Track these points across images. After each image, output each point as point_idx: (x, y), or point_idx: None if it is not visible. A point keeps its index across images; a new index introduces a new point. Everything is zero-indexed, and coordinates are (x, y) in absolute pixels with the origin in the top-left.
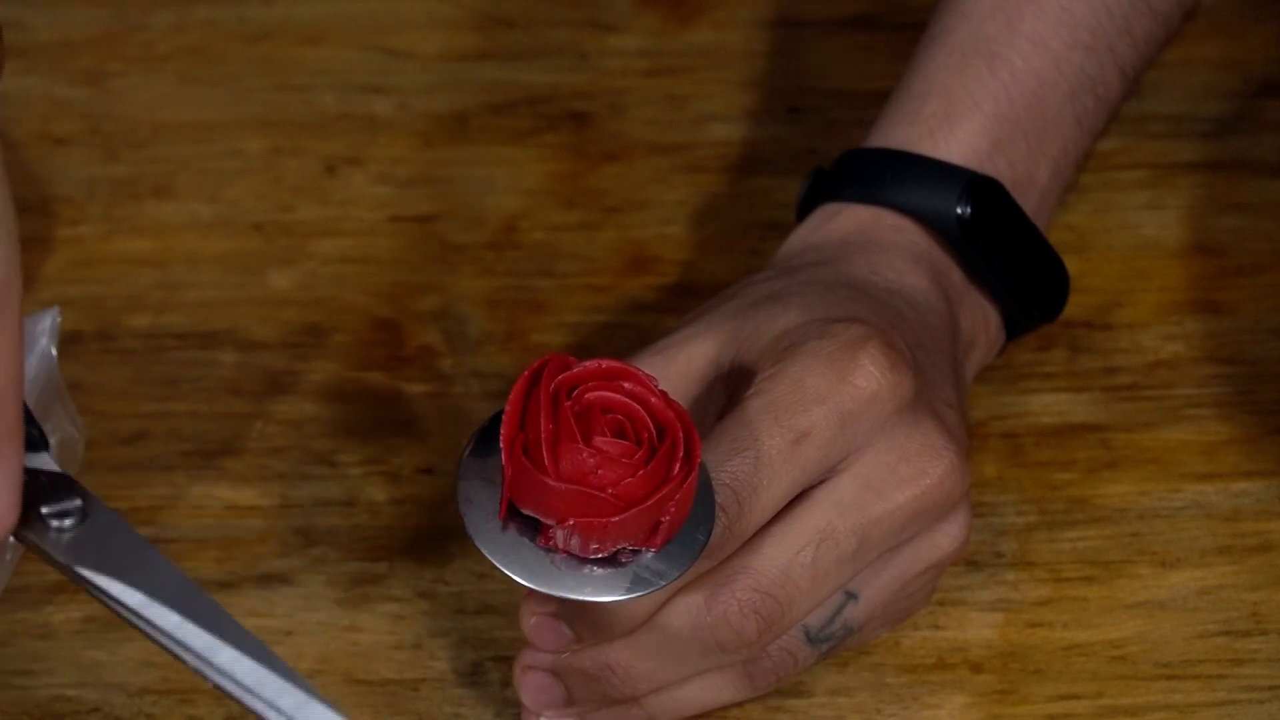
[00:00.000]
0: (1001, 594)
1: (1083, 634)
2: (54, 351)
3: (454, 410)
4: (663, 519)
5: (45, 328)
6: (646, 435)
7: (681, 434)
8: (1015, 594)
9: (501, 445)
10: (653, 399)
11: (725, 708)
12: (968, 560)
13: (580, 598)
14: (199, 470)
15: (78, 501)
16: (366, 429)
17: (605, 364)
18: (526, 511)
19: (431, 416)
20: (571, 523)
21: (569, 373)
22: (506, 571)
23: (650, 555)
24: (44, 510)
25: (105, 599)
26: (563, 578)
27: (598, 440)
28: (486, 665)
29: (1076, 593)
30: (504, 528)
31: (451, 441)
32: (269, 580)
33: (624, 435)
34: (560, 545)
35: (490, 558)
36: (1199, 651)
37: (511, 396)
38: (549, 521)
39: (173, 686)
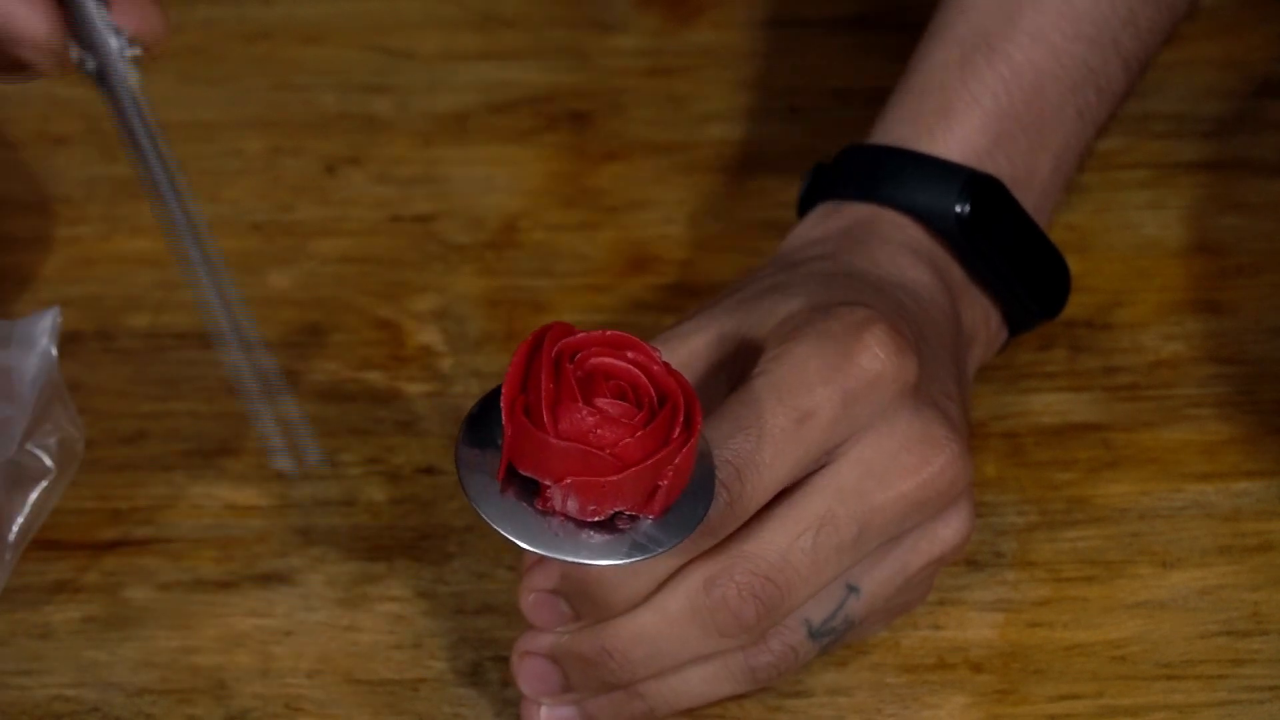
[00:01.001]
0: (1001, 594)
1: (1083, 634)
2: (54, 351)
3: (454, 410)
4: (661, 483)
5: (45, 328)
6: (647, 401)
7: (682, 401)
8: (1015, 594)
9: (502, 406)
10: (655, 367)
11: (724, 701)
12: (968, 560)
13: (577, 560)
14: (199, 470)
15: None
16: (366, 429)
17: (609, 333)
18: (525, 473)
19: (431, 416)
20: (569, 482)
21: (572, 338)
22: (504, 534)
23: (649, 523)
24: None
25: None
26: (560, 542)
27: (598, 401)
28: (486, 665)
29: (1077, 593)
30: (502, 490)
31: (451, 441)
32: (269, 580)
33: (625, 399)
34: (558, 507)
35: (488, 520)
36: (1199, 651)
37: (514, 359)
38: (547, 482)
39: (172, 686)
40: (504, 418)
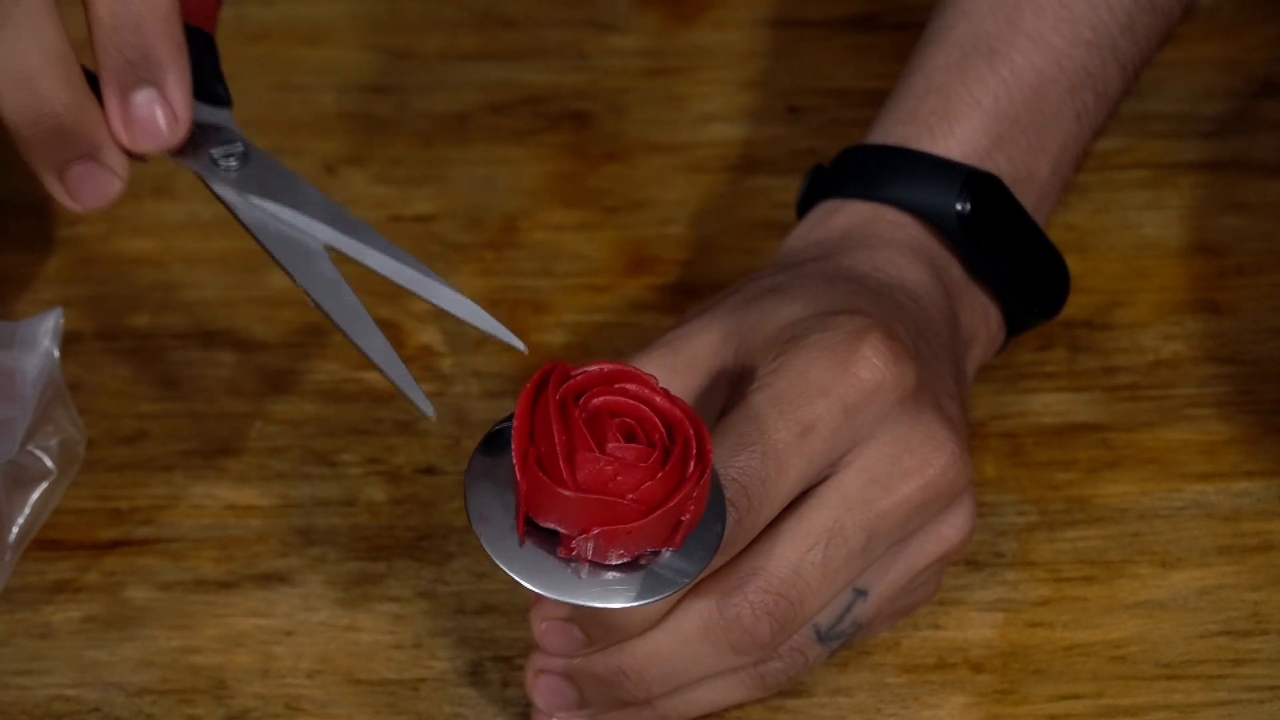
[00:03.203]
0: (1001, 594)
1: (1083, 634)
2: (56, 353)
3: (454, 410)
4: (683, 518)
5: (48, 329)
6: (658, 436)
7: (692, 431)
8: (1015, 594)
9: (515, 460)
10: (658, 399)
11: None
12: (968, 560)
13: (610, 605)
14: (199, 470)
15: (240, 147)
16: (366, 429)
17: (606, 368)
18: (545, 525)
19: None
20: (596, 532)
21: (572, 380)
22: (531, 587)
23: (669, 554)
24: (214, 153)
25: (263, 232)
26: (588, 587)
27: (611, 446)
28: (486, 665)
29: (1076, 593)
30: (521, 543)
31: (451, 441)
32: (269, 580)
33: (634, 438)
34: (583, 555)
35: (513, 575)
36: (1199, 651)
37: (518, 410)
38: (570, 532)
39: (173, 686)
40: (517, 472)
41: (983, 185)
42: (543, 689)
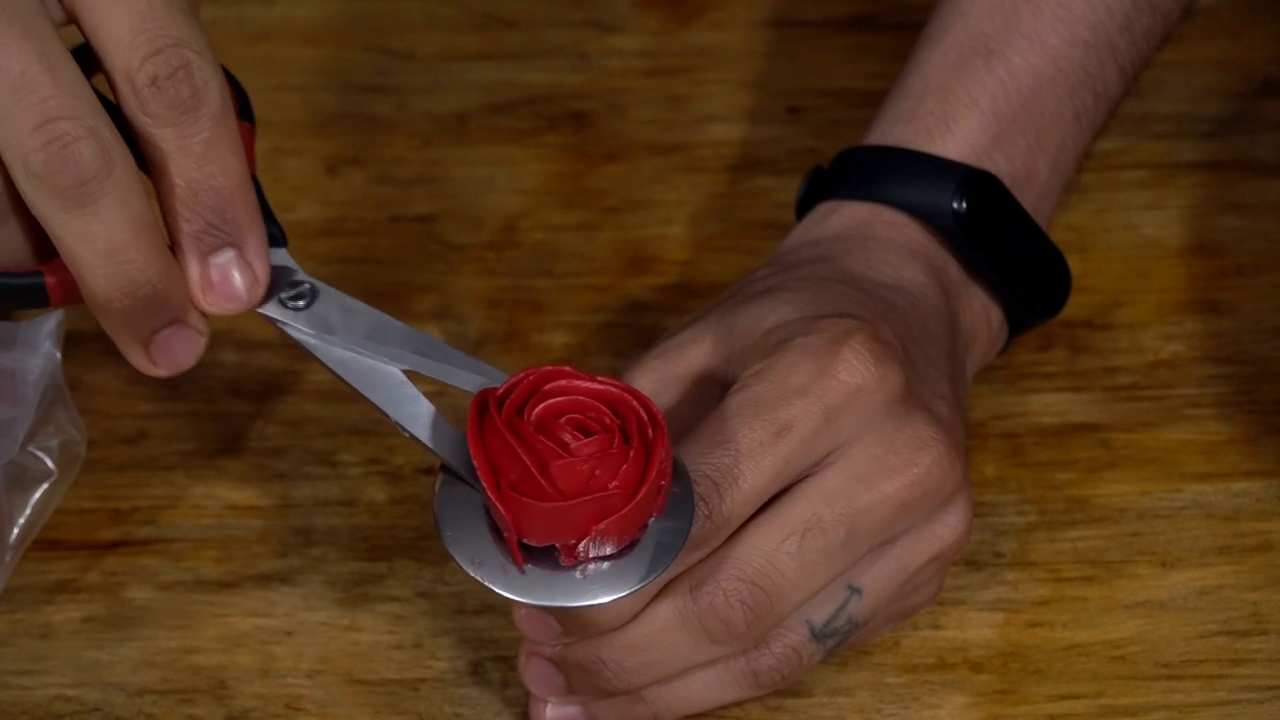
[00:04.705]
0: (1001, 594)
1: (1083, 634)
2: (57, 354)
3: (454, 410)
4: (663, 483)
5: (49, 330)
6: (608, 419)
7: (635, 402)
8: (1015, 594)
9: (490, 496)
10: (586, 384)
11: (730, 706)
12: (968, 560)
13: (639, 587)
14: (199, 470)
15: (306, 285)
16: (366, 429)
17: (529, 376)
18: (540, 544)
19: None
20: (601, 527)
21: (507, 400)
22: (556, 606)
23: (656, 521)
24: (282, 295)
25: (346, 370)
26: (607, 583)
27: (574, 446)
28: (486, 665)
29: (1076, 593)
30: (522, 570)
31: None
32: (269, 580)
33: (587, 430)
34: (586, 555)
35: (534, 603)
36: (1199, 651)
37: (471, 449)
38: (569, 540)
39: (173, 686)
40: (500, 506)
41: (980, 184)
42: (533, 673)
